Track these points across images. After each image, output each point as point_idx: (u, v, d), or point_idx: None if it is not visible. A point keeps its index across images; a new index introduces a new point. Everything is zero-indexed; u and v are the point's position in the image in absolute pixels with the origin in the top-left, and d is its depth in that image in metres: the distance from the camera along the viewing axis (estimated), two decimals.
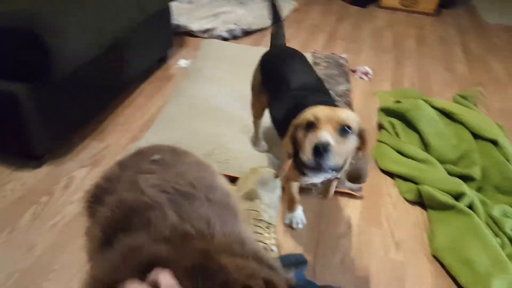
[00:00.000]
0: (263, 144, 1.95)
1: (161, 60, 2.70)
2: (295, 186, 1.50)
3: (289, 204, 1.56)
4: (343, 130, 1.16)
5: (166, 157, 0.91)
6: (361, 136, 1.23)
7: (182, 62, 2.72)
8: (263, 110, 1.77)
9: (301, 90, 1.47)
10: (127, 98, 2.30)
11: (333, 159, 1.12)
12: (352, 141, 1.20)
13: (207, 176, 0.89)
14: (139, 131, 2.05)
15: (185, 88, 2.33)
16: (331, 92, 1.60)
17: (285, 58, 1.61)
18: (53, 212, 1.57)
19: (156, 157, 0.91)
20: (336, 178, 1.41)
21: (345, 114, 1.18)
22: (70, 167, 1.79)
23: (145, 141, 1.86)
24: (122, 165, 0.91)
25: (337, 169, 1.24)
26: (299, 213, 1.58)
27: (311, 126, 1.17)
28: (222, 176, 0.95)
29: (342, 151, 1.17)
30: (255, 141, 1.95)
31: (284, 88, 1.50)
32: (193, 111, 2.13)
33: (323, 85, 1.56)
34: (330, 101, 1.41)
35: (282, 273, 0.61)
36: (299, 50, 1.69)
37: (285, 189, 1.53)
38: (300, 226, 1.58)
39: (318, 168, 1.15)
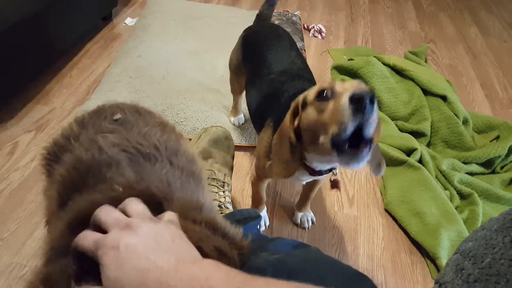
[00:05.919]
0: (241, 116, 1.82)
1: (106, 19, 2.55)
2: (265, 185, 1.35)
3: (254, 204, 1.42)
4: (371, 98, 0.78)
5: (128, 117, 0.86)
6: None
7: (128, 21, 2.58)
8: (242, 90, 1.58)
9: (281, 76, 1.25)
10: (71, 59, 2.17)
11: (375, 121, 0.80)
12: (376, 118, 0.84)
13: (172, 138, 0.85)
14: (85, 93, 1.95)
15: (131, 48, 2.21)
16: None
17: (268, 37, 1.42)
18: None
19: (117, 116, 0.86)
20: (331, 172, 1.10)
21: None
22: (13, 132, 1.70)
23: (90, 105, 1.76)
24: (81, 123, 0.85)
25: (369, 148, 0.82)
26: (264, 214, 1.45)
27: (326, 97, 0.86)
28: (186, 140, 0.91)
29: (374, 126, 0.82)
30: (234, 112, 1.82)
31: (263, 73, 1.30)
32: (140, 72, 2.04)
33: (307, 70, 1.34)
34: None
35: (236, 240, 0.59)
36: (253, 8, 1.61)
37: (252, 187, 1.37)
38: (263, 228, 1.45)
39: (354, 139, 0.80)
